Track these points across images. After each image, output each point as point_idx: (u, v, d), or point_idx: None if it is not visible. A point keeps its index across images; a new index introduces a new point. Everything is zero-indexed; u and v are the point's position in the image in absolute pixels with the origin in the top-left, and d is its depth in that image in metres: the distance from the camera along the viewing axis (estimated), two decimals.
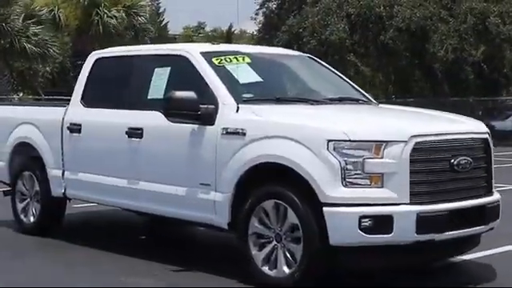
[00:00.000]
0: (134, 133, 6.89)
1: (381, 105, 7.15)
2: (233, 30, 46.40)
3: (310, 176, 5.47)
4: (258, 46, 7.52)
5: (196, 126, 6.32)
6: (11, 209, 8.69)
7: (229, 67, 6.61)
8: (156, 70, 6.99)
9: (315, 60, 7.70)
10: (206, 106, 6.22)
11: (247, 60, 6.75)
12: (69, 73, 36.22)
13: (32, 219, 8.38)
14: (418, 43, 28.10)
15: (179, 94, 6.21)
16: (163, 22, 47.82)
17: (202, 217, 6.33)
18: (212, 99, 6.30)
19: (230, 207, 6.05)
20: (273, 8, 35.84)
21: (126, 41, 25.83)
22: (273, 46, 28.40)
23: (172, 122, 6.51)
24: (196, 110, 6.21)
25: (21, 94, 25.74)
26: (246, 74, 6.47)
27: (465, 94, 29.30)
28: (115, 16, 23.25)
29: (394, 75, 33.10)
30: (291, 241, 5.66)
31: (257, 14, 36.15)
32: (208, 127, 6.24)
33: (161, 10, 48.11)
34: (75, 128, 7.63)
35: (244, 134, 5.95)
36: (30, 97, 27.14)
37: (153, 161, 6.75)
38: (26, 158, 8.58)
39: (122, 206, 7.30)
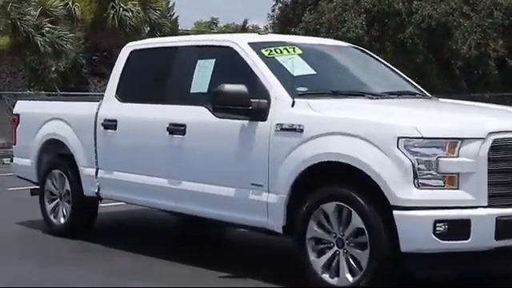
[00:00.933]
0: (177, 129, 6.45)
1: (440, 99, 6.69)
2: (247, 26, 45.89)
3: (377, 176, 5.02)
4: (305, 37, 7.04)
5: (246, 122, 5.88)
6: (39, 209, 8.30)
7: (279, 59, 6.16)
8: (199, 62, 6.55)
9: (364, 51, 7.25)
10: (257, 100, 5.78)
11: (298, 51, 6.31)
12: (81, 68, 36.01)
13: (62, 220, 7.96)
14: (437, 40, 27.53)
15: (229, 87, 5.77)
16: (173, 17, 47.31)
17: (253, 220, 5.89)
18: (263, 93, 5.86)
19: (285, 210, 5.61)
20: (288, 2, 35.29)
21: (143, 36, 25.40)
22: None
23: (219, 117, 6.08)
24: (247, 104, 5.77)
25: (32, 91, 25.37)
26: (298, 66, 6.02)
27: (484, 89, 28.77)
28: (131, 10, 22.80)
29: (411, 72, 32.56)
30: (355, 246, 5.21)
31: (273, 11, 35.60)
32: (260, 123, 5.79)
33: (170, 5, 47.63)
34: (110, 124, 7.20)
35: (301, 131, 5.50)
36: (43, 92, 26.75)
37: (197, 159, 6.32)
38: (56, 155, 8.16)
39: (161, 207, 6.86)
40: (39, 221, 8.79)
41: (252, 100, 5.77)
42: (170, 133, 6.52)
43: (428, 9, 27.06)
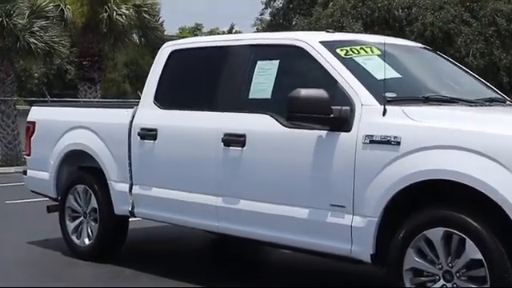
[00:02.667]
0: (234, 140, 5.61)
1: None
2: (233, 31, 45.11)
3: (502, 199, 4.22)
4: (375, 36, 6.22)
5: (323, 133, 5.06)
6: (51, 226, 7.42)
7: (358, 60, 5.35)
8: (259, 63, 5.72)
9: (437, 53, 6.46)
10: (339, 107, 4.96)
11: (376, 52, 5.50)
12: (65, 74, 34.93)
13: (87, 241, 7.08)
14: (438, 48, 26.91)
15: (306, 92, 4.95)
16: (159, 22, 46.35)
17: (332, 246, 5.05)
18: (344, 99, 5.04)
19: (376, 235, 4.79)
20: (278, 7, 34.52)
21: (135, 41, 24.52)
22: None
23: (288, 126, 5.26)
24: (327, 112, 4.95)
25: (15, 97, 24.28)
26: (380, 69, 5.21)
27: None
28: (125, 13, 21.82)
29: None
30: (469, 280, 4.40)
31: (262, 15, 34.88)
32: (342, 134, 4.97)
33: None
34: (149, 134, 6.33)
35: (398, 144, 4.69)
36: (32, 99, 25.71)
37: (260, 174, 5.48)
38: (80, 168, 7.28)
39: (210, 228, 5.99)
40: (55, 240, 7.94)
41: (333, 107, 4.95)
42: (225, 144, 5.68)
43: (429, 16, 26.44)
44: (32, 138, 7.73)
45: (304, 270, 6.82)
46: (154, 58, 6.81)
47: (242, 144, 5.56)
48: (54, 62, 21.77)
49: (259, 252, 7.61)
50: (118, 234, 7.02)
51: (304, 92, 4.94)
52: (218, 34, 46.67)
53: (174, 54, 6.48)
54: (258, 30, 35.61)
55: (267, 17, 34.42)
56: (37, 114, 7.83)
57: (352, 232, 4.90)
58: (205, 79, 6.22)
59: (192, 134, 6.01)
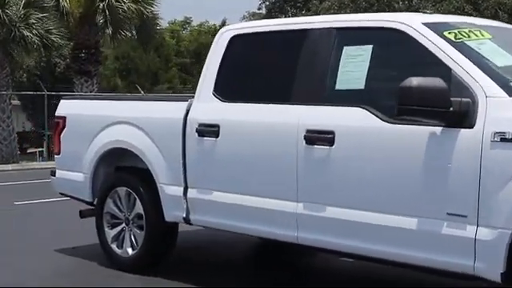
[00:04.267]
0: (320, 138, 4.86)
1: None
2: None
3: None
4: (474, 18, 5.47)
5: (438, 129, 4.32)
6: (97, 235, 6.62)
7: (471, 44, 4.61)
8: (346, 49, 4.95)
9: None
10: (458, 99, 4.22)
11: (486, 35, 4.77)
12: (55, 68, 33.87)
13: (130, 251, 6.29)
14: None
15: (421, 82, 4.19)
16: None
17: (448, 262, 4.31)
18: (463, 90, 4.29)
19: (508, 251, 4.06)
20: (274, 0, 33.78)
21: (133, 33, 23.66)
22: None
23: (389, 122, 4.52)
24: (446, 105, 4.21)
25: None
26: (498, 54, 4.48)
27: None
28: (124, 1, 20.92)
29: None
30: None
31: (260, 9, 34.12)
32: (463, 131, 4.23)
33: None
34: (209, 130, 5.55)
35: None
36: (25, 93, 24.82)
37: (355, 177, 4.72)
38: (121, 169, 6.49)
39: (290, 239, 5.18)
40: (86, 248, 7.20)
41: (453, 99, 4.21)
42: (308, 142, 4.92)
43: (430, 8, 25.81)
44: (62, 135, 6.92)
45: (361, 278, 6.11)
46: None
47: (330, 142, 4.80)
48: (51, 54, 20.86)
49: (313, 259, 6.89)
50: (167, 242, 6.24)
51: (418, 81, 4.19)
52: (209, 27, 45.68)
53: (235, 40, 5.69)
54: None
55: (264, 11, 33.69)
56: (67, 107, 7.02)
57: (476, 246, 4.17)
58: (276, 67, 5.45)
59: (264, 130, 5.24)
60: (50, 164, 19.32)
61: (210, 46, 5.88)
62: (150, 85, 36.74)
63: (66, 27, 20.67)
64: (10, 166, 18.05)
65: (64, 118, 6.90)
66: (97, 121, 6.53)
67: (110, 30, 22.42)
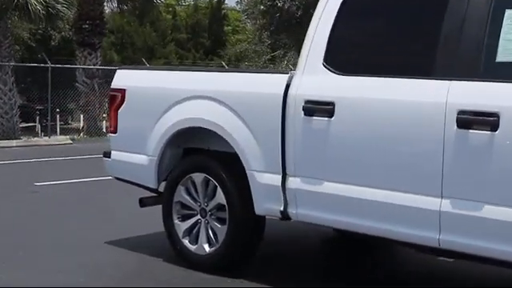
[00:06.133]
0: (478, 121, 3.97)
1: None
2: None
3: None
4: None
5: None
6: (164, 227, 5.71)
7: None
8: (508, 13, 4.06)
9: None
10: None
11: None
12: (49, 41, 32.60)
13: (207, 248, 5.39)
14: None
15: None
16: None
17: None
18: None
19: None
20: None
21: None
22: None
23: None
24: None
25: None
26: None
27: None
28: None
29: None
30: None
31: None
32: None
33: None
34: (321, 109, 4.64)
35: None
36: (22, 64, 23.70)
37: None
38: (200, 152, 5.58)
39: (429, 242, 4.24)
40: (140, 240, 6.32)
41: None
42: (460, 126, 4.03)
43: None
44: (119, 111, 5.97)
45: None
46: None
47: (493, 126, 3.91)
48: (54, 24, 19.75)
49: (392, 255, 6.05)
50: (254, 238, 5.34)
51: None
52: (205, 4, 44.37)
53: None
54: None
55: None
56: (127, 79, 6.06)
57: None
58: (410, 32, 4.50)
59: (395, 110, 4.34)
60: (53, 140, 18.37)
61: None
62: (146, 60, 35.66)
63: None
64: (13, 142, 16.99)
65: (123, 91, 5.95)
66: (166, 95, 5.60)
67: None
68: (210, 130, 5.27)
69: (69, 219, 7.51)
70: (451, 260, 5.20)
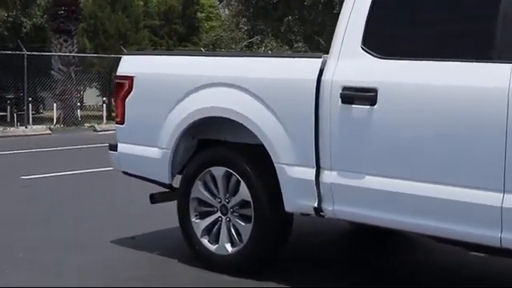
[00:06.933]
0: None
1: None
2: None
3: None
4: None
5: None
6: (180, 227, 5.29)
7: None
8: None
9: None
10: None
11: None
12: (21, 28, 31.73)
13: (229, 248, 4.99)
14: None
15: None
16: None
17: None
18: None
19: None
20: None
21: None
22: None
23: None
24: None
25: None
26: None
27: None
28: None
29: None
30: None
31: None
32: None
33: None
34: (361, 96, 4.23)
35: None
36: None
37: None
38: (219, 144, 5.15)
39: (490, 242, 3.86)
40: (149, 238, 5.96)
41: None
42: None
43: None
44: (127, 100, 5.52)
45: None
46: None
47: None
48: (31, 9, 19.10)
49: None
50: (281, 237, 4.94)
51: None
52: None
53: None
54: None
55: None
56: (134, 65, 5.60)
57: None
58: (468, 10, 4.09)
59: (451, 97, 3.94)
60: (31, 130, 17.77)
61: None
62: (119, 46, 34.96)
63: None
64: None
65: (131, 79, 5.49)
66: (182, 82, 5.15)
67: None
68: (230, 120, 4.84)
69: (72, 215, 7.03)
70: (484, 255, 4.89)
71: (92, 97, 33.84)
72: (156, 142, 5.29)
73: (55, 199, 7.99)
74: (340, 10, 4.52)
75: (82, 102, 31.35)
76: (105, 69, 30.61)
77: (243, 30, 29.50)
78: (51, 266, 5.20)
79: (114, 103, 32.92)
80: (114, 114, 27.89)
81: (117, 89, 5.64)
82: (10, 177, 9.58)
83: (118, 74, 5.65)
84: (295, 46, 26.54)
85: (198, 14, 42.34)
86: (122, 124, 5.59)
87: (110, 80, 30.09)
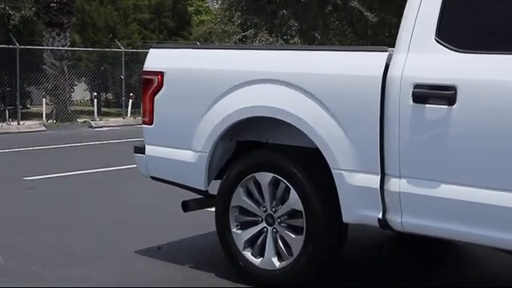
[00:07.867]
0: None
1: None
2: None
3: None
4: None
5: None
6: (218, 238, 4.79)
7: None
8: None
9: None
10: None
11: None
12: (9, 21, 30.99)
13: (277, 262, 4.50)
14: None
15: None
16: None
17: None
18: None
19: None
20: None
21: None
22: None
23: None
24: None
25: None
26: None
27: None
28: None
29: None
30: None
31: None
32: None
33: None
34: (437, 94, 3.75)
35: None
36: None
37: None
38: (265, 148, 4.65)
39: None
40: (177, 248, 5.44)
41: None
42: None
43: None
44: (156, 98, 5.01)
45: None
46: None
47: None
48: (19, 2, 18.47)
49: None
50: (336, 250, 4.46)
51: None
52: None
53: None
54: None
55: None
56: (164, 60, 5.08)
57: None
58: None
59: None
60: (25, 127, 17.16)
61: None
62: (108, 40, 34.31)
63: None
64: None
65: (161, 74, 4.98)
66: (221, 78, 4.65)
67: None
68: (274, 120, 4.35)
69: (87, 221, 6.52)
70: None
71: (78, 91, 33.23)
72: (190, 144, 4.80)
73: (65, 203, 7.46)
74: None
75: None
76: (93, 63, 30.01)
77: (236, 24, 28.90)
78: (75, 282, 4.69)
79: (104, 98, 32.15)
80: (103, 110, 27.21)
81: (144, 85, 5.12)
82: (11, 178, 9.04)
83: (145, 69, 5.14)
84: (291, 41, 26.01)
85: (188, 8, 41.81)
86: (151, 124, 5.08)
87: (99, 75, 29.51)
